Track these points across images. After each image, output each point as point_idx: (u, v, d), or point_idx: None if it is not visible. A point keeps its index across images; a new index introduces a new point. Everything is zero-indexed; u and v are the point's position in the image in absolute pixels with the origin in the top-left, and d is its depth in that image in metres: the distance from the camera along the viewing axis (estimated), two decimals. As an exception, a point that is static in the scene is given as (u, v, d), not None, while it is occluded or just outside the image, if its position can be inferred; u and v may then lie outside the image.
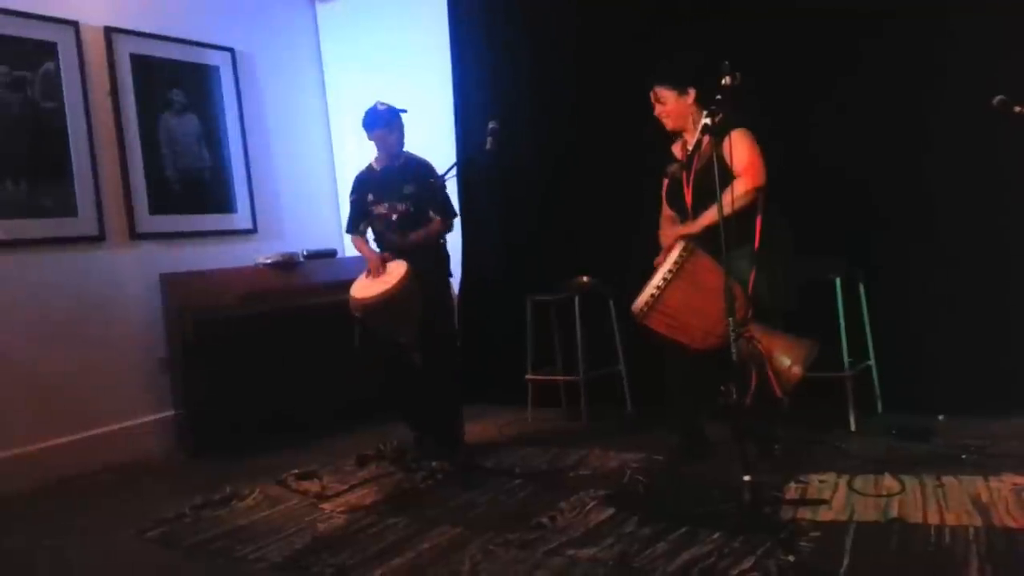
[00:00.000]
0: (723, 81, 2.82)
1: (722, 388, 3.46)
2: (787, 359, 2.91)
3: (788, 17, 3.81)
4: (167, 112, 4.76)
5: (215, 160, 4.96)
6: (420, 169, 3.82)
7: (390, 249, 3.73)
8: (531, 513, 2.90)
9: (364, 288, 3.64)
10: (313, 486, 3.47)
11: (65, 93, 4.26)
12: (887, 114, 3.71)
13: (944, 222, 3.66)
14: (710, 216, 3.03)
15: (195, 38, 4.90)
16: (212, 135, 4.96)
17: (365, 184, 3.92)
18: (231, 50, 5.07)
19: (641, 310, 3.04)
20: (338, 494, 3.35)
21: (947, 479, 2.81)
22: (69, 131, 4.26)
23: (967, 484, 2.75)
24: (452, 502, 3.12)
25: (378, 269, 3.66)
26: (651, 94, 3.30)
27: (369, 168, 3.95)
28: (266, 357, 4.39)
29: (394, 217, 3.77)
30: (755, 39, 3.76)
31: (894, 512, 2.58)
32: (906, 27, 3.65)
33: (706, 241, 3.04)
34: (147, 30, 4.66)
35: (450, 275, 4.03)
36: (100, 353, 4.27)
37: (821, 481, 2.91)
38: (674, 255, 3.02)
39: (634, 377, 4.31)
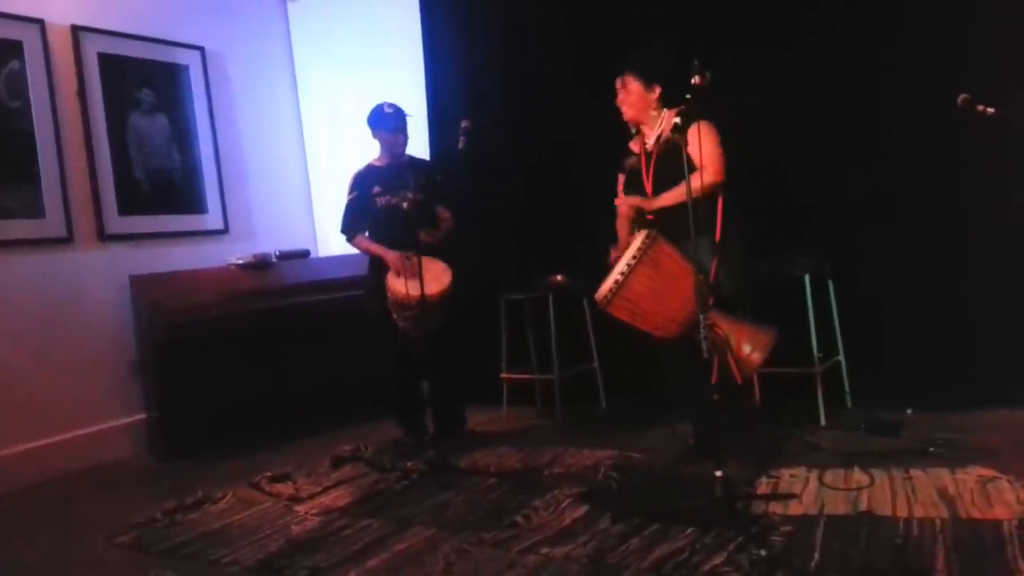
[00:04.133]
0: (693, 80, 2.85)
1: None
2: (747, 346, 2.97)
3: (753, 13, 3.85)
4: (136, 112, 4.70)
5: (185, 160, 4.91)
6: (425, 165, 3.93)
7: (410, 245, 3.65)
8: (505, 512, 2.90)
9: (410, 285, 3.61)
10: (287, 488, 3.45)
11: (31, 92, 4.19)
12: (853, 110, 3.73)
13: (911, 218, 3.71)
14: (668, 198, 3.14)
15: (164, 37, 4.84)
16: (182, 135, 4.91)
17: (368, 179, 3.97)
18: (201, 49, 5.02)
19: (605, 297, 3.05)
20: (312, 496, 3.33)
21: (915, 472, 2.85)
22: (35, 131, 4.20)
23: (934, 477, 2.79)
24: (427, 502, 3.11)
25: (406, 268, 3.67)
26: (618, 80, 3.33)
27: (370, 166, 4.02)
28: (238, 359, 4.35)
29: (405, 205, 3.75)
30: (721, 36, 3.79)
31: (863, 505, 2.61)
32: (869, 22, 3.69)
33: (665, 230, 3.09)
34: (115, 29, 4.60)
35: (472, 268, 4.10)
36: (69, 356, 4.21)
37: (792, 475, 2.95)
38: (637, 242, 3.05)
39: (608, 375, 4.33)
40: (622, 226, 3.44)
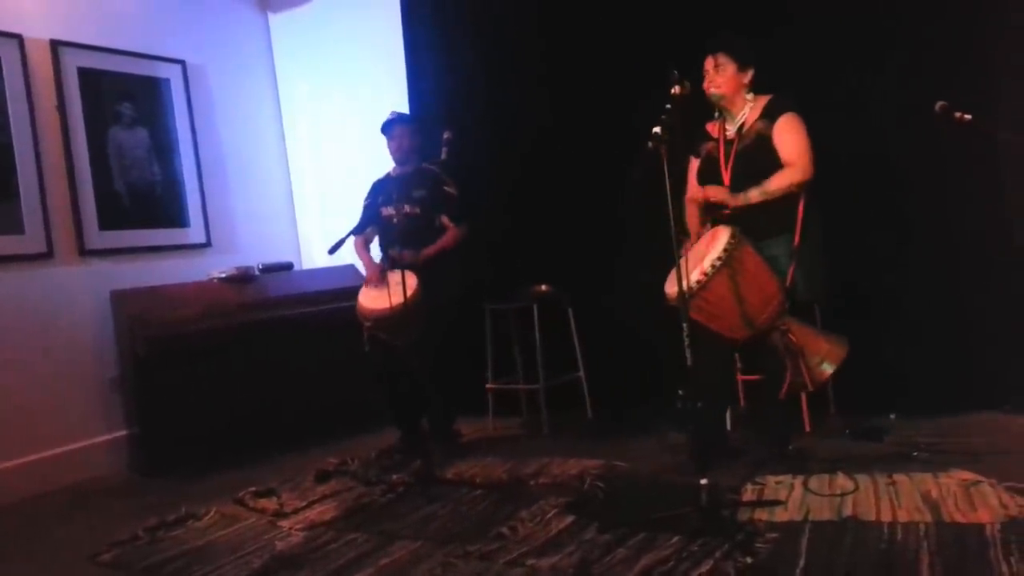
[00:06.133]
0: (672, 90, 2.86)
1: (680, 392, 3.51)
2: (817, 356, 2.95)
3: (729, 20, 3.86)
4: (116, 126, 4.68)
5: (167, 174, 4.89)
6: (433, 176, 3.95)
7: (398, 263, 3.69)
8: (492, 524, 2.89)
9: (373, 299, 3.72)
10: (271, 503, 3.41)
11: (10, 108, 4.16)
12: (840, 113, 3.70)
13: (892, 224, 3.74)
14: (753, 196, 3.04)
15: (144, 51, 4.82)
16: (163, 149, 4.88)
17: (379, 188, 4.11)
18: (182, 62, 5.00)
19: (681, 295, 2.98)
20: (297, 511, 3.30)
21: (899, 477, 2.86)
22: (14, 146, 4.16)
23: (918, 481, 2.80)
24: (412, 515, 3.10)
25: (378, 281, 3.78)
26: (709, 59, 3.18)
27: (386, 174, 4.15)
28: (222, 373, 4.31)
29: (395, 220, 3.84)
30: (698, 43, 3.81)
31: (848, 511, 2.62)
32: (847, 29, 3.73)
33: (742, 226, 3.03)
34: (95, 43, 4.58)
35: (457, 282, 4.03)
36: (49, 373, 4.17)
37: (777, 482, 2.95)
38: (722, 242, 2.95)
39: (594, 384, 4.33)
40: (692, 214, 3.32)
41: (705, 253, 3.00)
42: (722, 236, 2.99)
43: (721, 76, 3.18)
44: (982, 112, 2.98)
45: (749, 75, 3.19)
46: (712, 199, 3.17)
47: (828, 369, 2.98)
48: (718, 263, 2.91)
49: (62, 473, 4.09)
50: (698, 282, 2.91)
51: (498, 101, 4.67)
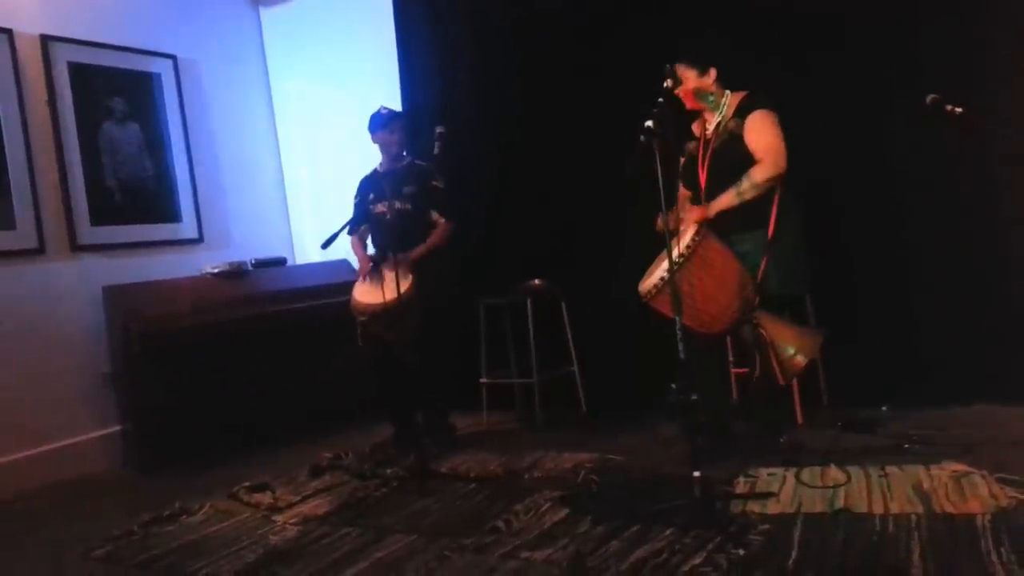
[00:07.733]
0: (665, 84, 2.87)
1: (672, 386, 3.52)
2: (791, 348, 2.96)
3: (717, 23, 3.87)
4: (108, 121, 4.66)
5: (158, 169, 4.87)
6: (422, 172, 3.95)
7: (388, 260, 3.71)
8: (486, 517, 2.90)
9: (366, 293, 3.74)
10: (265, 498, 3.42)
11: (0, 103, 4.14)
12: (838, 110, 3.72)
13: (883, 218, 3.76)
14: (724, 201, 3.07)
15: (135, 45, 4.80)
16: (155, 144, 4.86)
17: (367, 185, 4.09)
18: (173, 57, 4.98)
19: (650, 292, 3.01)
20: (291, 505, 3.30)
21: (891, 469, 2.87)
22: (5, 142, 4.15)
23: (909, 473, 2.82)
24: (407, 509, 3.10)
25: (371, 274, 3.81)
26: (673, 71, 3.20)
27: (373, 171, 4.12)
28: (215, 368, 4.30)
29: (388, 217, 3.85)
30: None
31: (840, 503, 2.63)
32: (845, 27, 3.73)
33: (715, 222, 3.06)
34: (85, 38, 4.56)
35: (451, 277, 4.05)
36: (42, 369, 4.15)
37: (770, 474, 2.96)
38: (687, 238, 3.00)
39: (588, 378, 4.34)
40: (683, 206, 3.33)
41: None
42: (687, 233, 3.04)
43: (683, 88, 3.19)
44: (978, 109, 2.99)
45: (712, 74, 3.21)
46: (692, 223, 3.15)
47: (802, 360, 3.00)
48: (681, 259, 2.95)
49: (55, 469, 4.07)
50: (662, 279, 2.95)
51: (491, 95, 4.66)
